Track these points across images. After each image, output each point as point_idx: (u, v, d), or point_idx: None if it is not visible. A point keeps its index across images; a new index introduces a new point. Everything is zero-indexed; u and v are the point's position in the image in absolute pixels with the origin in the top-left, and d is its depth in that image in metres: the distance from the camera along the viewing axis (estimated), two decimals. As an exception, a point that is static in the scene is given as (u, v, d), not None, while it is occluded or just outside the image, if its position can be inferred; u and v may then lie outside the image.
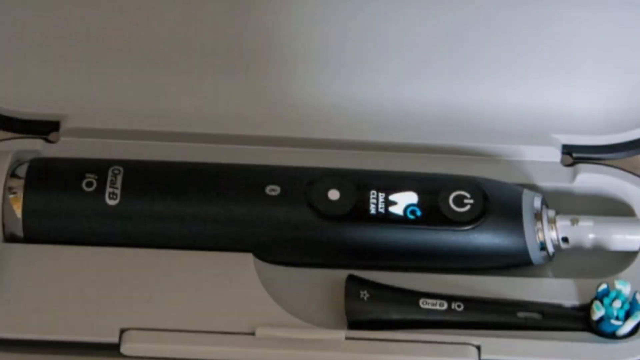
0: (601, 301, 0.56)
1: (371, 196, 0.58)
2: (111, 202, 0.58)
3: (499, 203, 0.58)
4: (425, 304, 0.57)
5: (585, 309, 0.57)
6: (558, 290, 0.58)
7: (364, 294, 0.57)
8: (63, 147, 0.62)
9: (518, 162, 0.62)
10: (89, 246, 0.58)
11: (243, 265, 0.58)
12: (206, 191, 0.59)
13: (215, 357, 0.56)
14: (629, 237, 0.59)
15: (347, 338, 0.56)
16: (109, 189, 0.58)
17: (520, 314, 0.57)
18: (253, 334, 0.56)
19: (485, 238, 0.58)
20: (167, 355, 0.56)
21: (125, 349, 0.55)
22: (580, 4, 0.59)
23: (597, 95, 0.63)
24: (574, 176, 0.62)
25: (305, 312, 0.57)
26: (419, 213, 0.58)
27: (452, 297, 0.57)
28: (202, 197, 0.59)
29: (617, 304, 0.55)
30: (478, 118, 0.63)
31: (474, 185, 0.59)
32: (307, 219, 0.58)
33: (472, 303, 0.57)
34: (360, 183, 0.59)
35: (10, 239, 0.58)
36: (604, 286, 0.56)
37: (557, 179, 0.62)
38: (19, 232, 0.58)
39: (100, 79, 0.63)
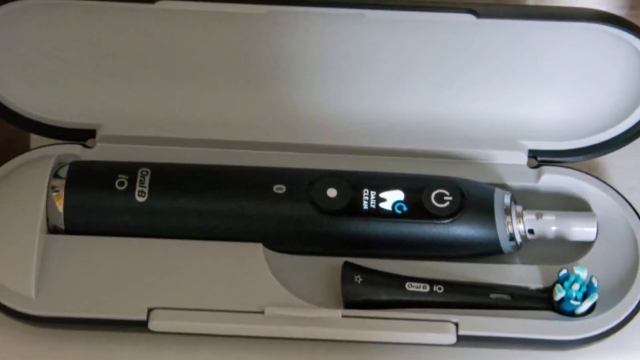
0: (562, 284, 0.56)
1: (364, 194, 0.59)
2: (140, 199, 0.58)
3: (474, 200, 0.59)
4: (411, 286, 0.57)
5: (549, 291, 0.57)
6: (525, 275, 0.59)
7: (358, 278, 0.57)
8: (98, 152, 0.62)
9: (490, 165, 0.62)
10: (121, 237, 0.58)
11: (254, 254, 0.58)
12: (221, 190, 0.59)
13: (230, 332, 0.56)
14: (586, 229, 0.59)
15: (343, 316, 0.56)
16: (138, 188, 0.59)
17: (492, 296, 0.57)
18: (262, 312, 0.56)
19: (462, 230, 0.58)
20: (188, 331, 0.56)
21: (152, 325, 0.56)
22: (544, 29, 0.59)
23: (559, 107, 0.63)
24: (538, 177, 0.62)
25: (308, 294, 0.57)
26: (405, 208, 0.59)
27: (433, 281, 0.58)
28: (218, 195, 0.59)
29: (576, 286, 0.56)
30: (456, 126, 0.63)
31: (452, 185, 0.59)
32: (309, 214, 0.58)
33: (451, 286, 0.58)
34: (354, 183, 0.59)
35: (53, 230, 0.59)
36: (564, 271, 0.57)
37: (524, 179, 0.62)
38: (61, 225, 0.59)
39: (130, 92, 0.63)
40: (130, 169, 0.59)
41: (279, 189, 0.59)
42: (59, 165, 0.60)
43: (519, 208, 0.59)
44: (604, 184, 0.62)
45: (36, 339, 0.57)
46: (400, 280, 0.57)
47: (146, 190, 0.59)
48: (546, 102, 0.63)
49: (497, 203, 0.59)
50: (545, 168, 0.62)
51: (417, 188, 0.59)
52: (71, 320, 0.56)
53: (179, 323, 0.56)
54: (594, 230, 0.59)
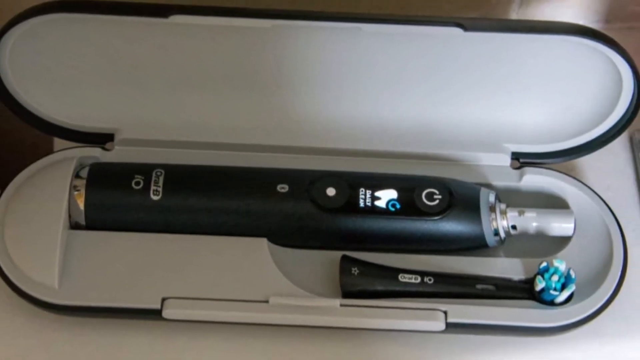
0: (542, 276, 0.57)
1: (360, 193, 0.59)
2: (155, 198, 0.59)
3: (461, 198, 0.59)
4: (403, 278, 0.58)
5: (530, 282, 0.58)
6: (508, 267, 0.59)
7: (355, 270, 0.58)
8: (116, 154, 0.62)
9: (476, 166, 0.63)
10: (137, 232, 0.59)
11: (259, 248, 0.59)
12: (229, 189, 0.60)
13: (237, 320, 0.57)
14: (564, 225, 0.59)
15: (341, 305, 0.57)
16: (153, 187, 0.59)
17: (478, 286, 0.58)
18: (267, 302, 0.57)
19: (451, 226, 0.59)
20: (199, 318, 0.57)
21: (166, 313, 0.56)
22: (526, 41, 0.59)
23: (540, 113, 0.63)
24: (521, 177, 0.62)
25: (308, 284, 0.58)
26: (398, 206, 0.59)
27: (424, 273, 0.58)
28: (226, 194, 0.59)
29: (555, 278, 0.57)
30: (445, 131, 0.63)
31: (441, 184, 0.60)
32: (310, 211, 0.59)
33: (440, 277, 0.58)
34: (352, 182, 0.60)
35: (75, 226, 0.59)
36: (544, 264, 0.57)
37: (508, 179, 0.62)
38: (82, 222, 0.59)
39: (145, 99, 0.63)
40: (146, 170, 0.60)
41: (282, 188, 0.59)
42: (80, 166, 0.61)
43: (503, 206, 0.60)
44: (581, 184, 0.62)
45: (59, 326, 0.58)
46: (393, 272, 0.58)
47: (160, 189, 0.59)
48: (528, 108, 0.63)
49: (482, 201, 0.59)
50: (527, 169, 0.62)
51: (409, 187, 0.59)
52: (91, 308, 0.57)
53: (190, 311, 0.57)
54: (572, 226, 0.60)
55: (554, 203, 0.62)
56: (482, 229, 0.59)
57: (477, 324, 0.57)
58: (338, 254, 0.59)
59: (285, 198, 0.59)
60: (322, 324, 0.57)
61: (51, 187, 0.59)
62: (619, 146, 0.66)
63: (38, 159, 0.62)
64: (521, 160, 0.63)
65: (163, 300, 0.57)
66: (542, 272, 0.57)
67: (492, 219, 0.59)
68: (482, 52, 0.61)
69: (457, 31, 0.57)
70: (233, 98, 0.63)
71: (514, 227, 0.59)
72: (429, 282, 0.58)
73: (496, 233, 0.59)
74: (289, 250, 0.60)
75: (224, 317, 0.57)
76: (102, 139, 0.63)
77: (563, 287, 0.57)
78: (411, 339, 0.58)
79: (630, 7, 0.72)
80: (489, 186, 0.62)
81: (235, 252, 0.59)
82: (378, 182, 0.60)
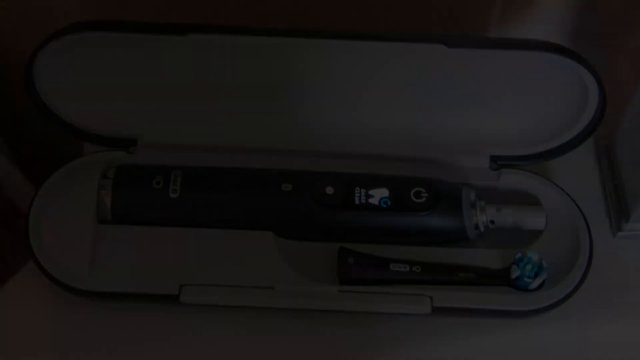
0: (517, 265, 0.57)
1: (356, 191, 0.59)
2: (173, 196, 0.59)
3: (445, 196, 0.59)
4: (394, 267, 0.58)
5: (506, 270, 0.58)
6: (487, 258, 0.59)
7: (351, 260, 0.58)
8: (139, 157, 0.62)
9: (459, 167, 0.63)
10: (158, 226, 0.59)
11: (266, 240, 0.59)
12: (239, 187, 0.60)
13: (245, 304, 0.57)
14: (536, 220, 0.60)
15: (339, 291, 0.57)
16: (171, 186, 0.59)
17: (461, 274, 0.58)
18: (273, 288, 0.57)
19: (436, 221, 0.59)
20: (212, 303, 0.57)
21: (183, 299, 0.57)
22: (503, 56, 0.59)
23: (515, 121, 0.63)
24: (498, 177, 0.62)
25: (310, 272, 0.58)
26: (389, 203, 0.59)
27: (412, 262, 0.58)
28: (237, 192, 0.60)
29: (529, 267, 0.57)
30: (432, 136, 0.63)
31: (428, 183, 0.60)
32: (311, 208, 0.59)
33: (427, 266, 0.58)
34: (348, 182, 0.60)
35: (103, 221, 0.60)
36: (519, 254, 0.58)
37: (487, 179, 0.62)
38: (109, 217, 0.60)
39: (165, 109, 0.63)
40: (165, 171, 0.60)
41: (286, 187, 0.60)
42: (107, 168, 0.61)
43: (482, 203, 0.60)
44: (551, 183, 0.62)
45: (89, 309, 0.58)
46: (385, 262, 0.58)
47: (178, 188, 0.59)
48: (505, 116, 0.63)
49: (464, 199, 0.60)
50: (503, 170, 0.63)
51: (399, 186, 0.60)
52: (117, 294, 0.58)
53: (204, 297, 0.57)
54: (544, 220, 0.60)
55: (528, 200, 0.62)
56: (463, 224, 0.59)
57: (460, 307, 0.57)
58: (336, 246, 0.59)
59: (289, 196, 0.60)
60: (321, 308, 0.57)
61: (81, 186, 0.60)
62: (586, 150, 0.66)
63: (69, 161, 0.62)
64: (499, 162, 0.63)
65: (180, 286, 0.57)
66: (517, 262, 0.58)
67: (473, 215, 0.59)
68: (465, 66, 0.61)
69: (442, 48, 0.57)
70: (243, 107, 0.63)
71: (492, 221, 0.60)
72: (417, 270, 0.58)
73: (476, 227, 0.60)
74: (292, 243, 0.60)
75: (234, 301, 0.57)
76: (127, 144, 0.63)
77: (536, 275, 0.57)
78: (401, 321, 0.58)
79: (595, 28, 0.72)
80: (470, 185, 0.62)
81: (244, 244, 0.59)
82: (372, 181, 0.60)
